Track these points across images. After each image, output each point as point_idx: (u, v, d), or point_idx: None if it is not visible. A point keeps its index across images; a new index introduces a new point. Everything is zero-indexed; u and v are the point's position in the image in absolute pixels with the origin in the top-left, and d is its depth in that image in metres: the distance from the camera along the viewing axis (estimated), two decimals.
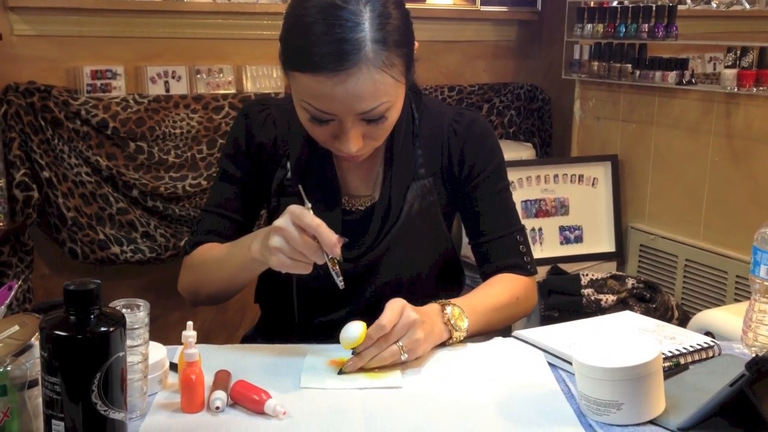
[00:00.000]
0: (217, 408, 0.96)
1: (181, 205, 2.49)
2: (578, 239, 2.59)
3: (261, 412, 0.96)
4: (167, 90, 2.50)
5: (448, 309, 1.15)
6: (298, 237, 1.02)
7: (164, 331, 2.18)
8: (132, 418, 0.94)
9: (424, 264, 1.28)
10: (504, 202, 1.33)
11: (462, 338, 1.16)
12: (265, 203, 1.33)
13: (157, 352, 1.04)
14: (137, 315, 0.94)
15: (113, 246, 2.36)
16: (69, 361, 0.79)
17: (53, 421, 0.80)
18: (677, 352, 1.12)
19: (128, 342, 0.91)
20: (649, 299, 2.20)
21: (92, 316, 0.81)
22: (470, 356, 1.15)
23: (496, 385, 1.05)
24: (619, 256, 2.61)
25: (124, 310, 0.93)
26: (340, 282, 1.06)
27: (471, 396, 1.02)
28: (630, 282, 2.25)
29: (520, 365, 1.12)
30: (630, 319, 1.27)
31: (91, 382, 0.79)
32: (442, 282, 1.34)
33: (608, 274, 2.30)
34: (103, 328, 0.80)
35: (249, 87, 2.62)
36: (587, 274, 2.30)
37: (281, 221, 1.04)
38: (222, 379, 1.01)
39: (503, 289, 1.26)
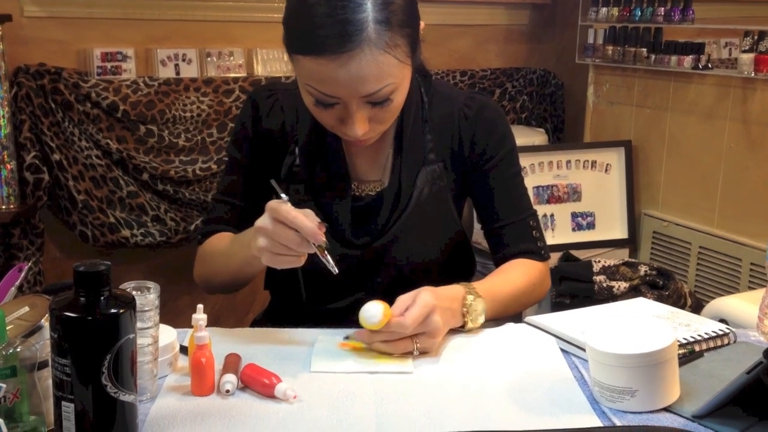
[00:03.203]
0: (228, 391, 0.95)
1: (191, 189, 2.49)
2: (590, 226, 2.57)
3: (271, 396, 0.95)
4: (177, 73, 2.49)
5: (470, 299, 1.14)
6: (278, 232, 1.02)
7: (174, 315, 2.18)
8: (142, 401, 0.94)
9: (435, 250, 1.27)
10: (516, 187, 1.31)
11: (474, 329, 1.16)
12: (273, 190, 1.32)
13: (168, 334, 1.04)
14: (147, 297, 0.94)
15: (123, 229, 2.36)
16: (79, 342, 0.79)
17: (63, 403, 0.79)
18: (692, 339, 1.10)
19: (138, 324, 0.91)
20: (662, 286, 2.18)
21: (102, 298, 0.80)
22: (482, 342, 1.14)
23: (508, 372, 1.05)
24: (631, 242, 2.59)
25: (134, 293, 0.93)
26: (332, 268, 1.05)
27: (483, 382, 1.02)
28: (643, 269, 2.24)
29: (532, 351, 1.11)
30: (643, 306, 1.26)
31: (101, 363, 0.79)
32: (452, 268, 1.32)
33: (620, 261, 2.29)
34: (113, 310, 0.80)
35: (259, 70, 2.61)
36: (599, 261, 2.29)
37: (262, 220, 1.04)
38: (232, 363, 1.01)
39: (520, 275, 1.25)
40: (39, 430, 0.84)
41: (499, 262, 1.30)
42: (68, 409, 0.79)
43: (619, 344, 0.94)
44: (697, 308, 2.23)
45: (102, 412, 0.80)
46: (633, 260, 2.32)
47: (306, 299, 1.27)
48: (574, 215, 2.55)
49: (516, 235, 1.29)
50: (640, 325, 1.00)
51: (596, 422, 0.92)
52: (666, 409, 0.94)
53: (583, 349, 1.07)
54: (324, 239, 1.02)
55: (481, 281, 1.21)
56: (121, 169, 2.39)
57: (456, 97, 1.30)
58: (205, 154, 2.50)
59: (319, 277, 1.23)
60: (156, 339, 0.96)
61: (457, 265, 1.35)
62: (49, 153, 2.28)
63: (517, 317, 1.26)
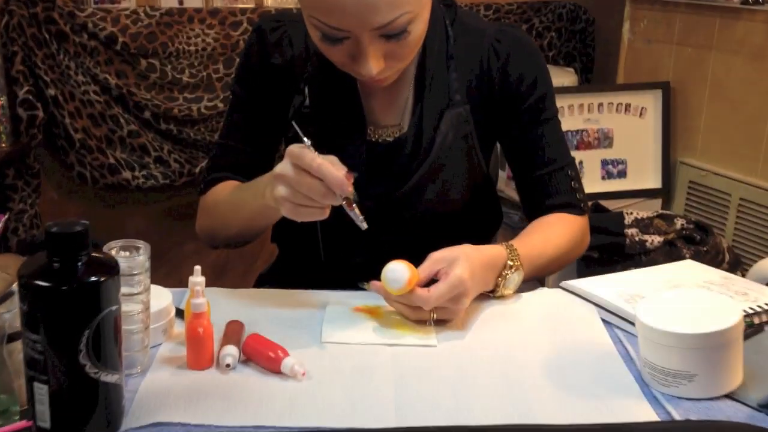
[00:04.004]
0: (228, 366, 0.85)
1: (196, 128, 2.37)
2: (621, 174, 2.44)
3: (277, 372, 0.85)
4: (181, 3, 2.34)
5: (509, 271, 1.03)
6: (301, 181, 0.91)
7: (177, 263, 2.11)
8: (132, 375, 0.84)
9: (459, 201, 1.17)
10: (553, 132, 1.20)
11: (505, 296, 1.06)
12: (282, 133, 1.21)
13: (161, 298, 0.94)
14: (136, 259, 0.83)
15: (124, 171, 2.26)
16: (52, 315, 0.68)
17: (35, 384, 0.70)
18: (751, 311, 0.99)
19: (126, 290, 0.81)
20: (699, 241, 2.06)
21: (80, 264, 0.70)
22: (513, 310, 1.04)
23: (544, 347, 0.94)
24: (665, 193, 2.46)
25: (120, 254, 0.82)
26: (361, 223, 0.94)
27: (515, 359, 0.91)
28: (679, 222, 2.11)
29: (570, 322, 1.00)
30: (692, 270, 1.14)
31: (79, 340, 0.69)
32: (478, 220, 1.22)
33: (655, 213, 2.16)
34: (92, 278, 0.70)
35: (269, 1, 2.45)
36: (631, 213, 2.17)
37: (281, 166, 0.93)
38: (234, 332, 0.91)
39: (561, 233, 1.15)
40: (11, 410, 0.74)
41: (532, 216, 1.20)
42: (41, 391, 0.70)
43: (676, 321, 0.83)
44: (734, 266, 2.11)
45: (80, 395, 0.70)
46: (668, 212, 2.20)
47: (323, 253, 1.16)
48: (604, 162, 2.42)
49: (553, 186, 1.18)
50: (699, 297, 0.89)
51: (648, 410, 0.82)
52: (728, 396, 0.83)
53: (630, 322, 0.97)
54: (352, 190, 0.92)
55: (521, 240, 1.09)
56: (121, 106, 2.27)
57: (485, 30, 1.17)
58: (210, 91, 2.37)
59: (338, 231, 1.13)
60: (147, 305, 0.86)
61: (484, 218, 1.25)
62: (43, 88, 2.16)
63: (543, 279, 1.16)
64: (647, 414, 0.81)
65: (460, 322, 0.99)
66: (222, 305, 1.01)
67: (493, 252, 1.02)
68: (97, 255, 0.72)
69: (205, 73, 2.36)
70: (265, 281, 1.34)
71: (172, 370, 0.86)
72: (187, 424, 0.76)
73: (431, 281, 0.96)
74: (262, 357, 0.87)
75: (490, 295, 1.05)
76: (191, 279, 0.90)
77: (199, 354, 0.86)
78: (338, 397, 0.82)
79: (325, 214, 0.94)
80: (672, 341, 0.82)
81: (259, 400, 0.81)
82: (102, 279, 0.70)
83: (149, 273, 0.85)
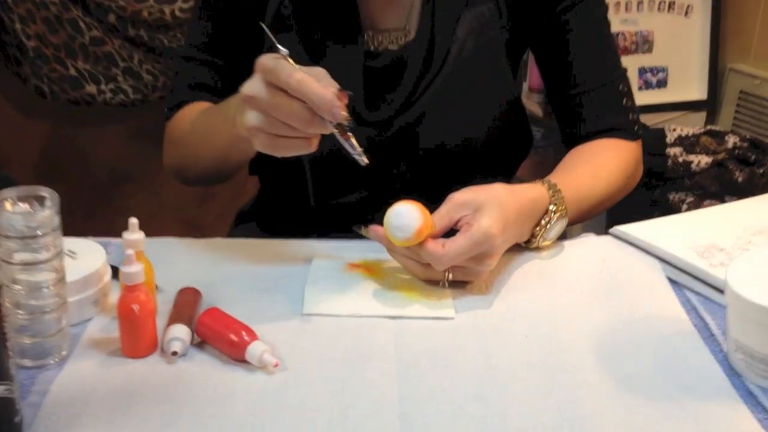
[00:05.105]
0: (175, 353, 0.66)
1: (170, 34, 2.12)
2: (662, 83, 2.22)
3: (242, 360, 0.66)
4: None
5: (552, 219, 0.83)
6: (276, 104, 0.69)
7: (154, 191, 1.90)
8: (45, 367, 0.65)
9: (480, 126, 0.96)
10: (602, 37, 0.99)
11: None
12: (261, 44, 0.98)
13: (92, 257, 0.74)
14: (39, 215, 0.62)
15: (88, 84, 2.04)
16: None
17: None
18: None
19: (27, 257, 0.61)
20: (754, 162, 1.85)
21: None
22: (553, 267, 0.83)
23: (595, 319, 0.74)
24: (710, 105, 2.26)
25: (16, 208, 0.61)
26: (360, 157, 0.73)
27: (559, 337, 0.71)
28: (731, 140, 1.89)
29: (626, 284, 0.80)
30: None
31: None
32: (503, 150, 1.01)
33: (702, 130, 1.94)
34: None
35: None
36: (674, 129, 1.94)
37: (250, 85, 0.72)
38: (185, 306, 0.71)
39: (613, 165, 0.94)
40: None
41: (573, 143, 1.00)
42: None
43: None
44: None
45: None
46: (718, 128, 1.98)
47: (314, 195, 0.97)
48: (642, 71, 2.21)
49: (601, 105, 0.97)
50: None
51: (741, 410, 0.62)
52: None
53: (709, 284, 0.76)
54: (346, 114, 0.71)
55: (563, 176, 0.89)
56: (81, 8, 2.02)
57: None
58: None
59: (331, 168, 0.93)
60: (61, 273, 0.65)
61: (510, 147, 1.03)
62: None
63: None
64: (740, 415, 0.62)
65: (484, 283, 0.79)
66: (176, 264, 0.81)
67: (531, 194, 0.81)
68: None
69: None
70: (244, 219, 1.17)
71: (100, 359, 0.67)
72: None
73: (449, 232, 0.75)
74: (221, 340, 0.67)
75: (522, 245, 0.84)
76: (125, 236, 0.69)
77: (135, 338, 0.66)
78: (322, 397, 0.63)
79: (312, 147, 0.73)
80: None
81: (213, 400, 0.62)
82: None
83: (60, 231, 0.64)
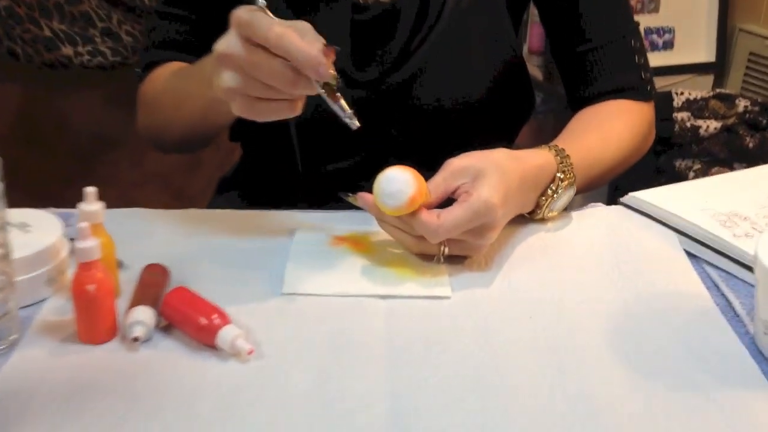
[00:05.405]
0: (136, 339, 0.59)
1: None
2: (668, 45, 2.13)
3: (212, 346, 0.59)
4: None
5: (559, 188, 0.76)
6: (255, 62, 0.62)
7: (138, 158, 1.83)
8: None
9: (480, 85, 0.89)
10: None
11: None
12: None
13: (47, 230, 0.66)
14: None
15: (64, 46, 1.95)
16: None
17: None
18: None
19: None
20: (766, 127, 1.77)
21: None
22: (560, 240, 0.76)
23: (607, 297, 0.67)
24: (718, 67, 2.17)
25: None
26: (351, 121, 0.65)
27: (567, 318, 0.65)
28: (742, 104, 1.81)
29: (641, 258, 0.73)
30: None
31: None
32: (503, 111, 0.94)
33: (710, 93, 1.87)
34: None
35: None
36: (681, 93, 1.87)
37: (225, 42, 0.64)
38: (151, 285, 0.64)
39: (624, 129, 0.87)
40: None
41: (579, 104, 0.92)
42: None
43: None
44: None
45: None
46: (727, 92, 1.90)
47: (301, 162, 0.91)
48: (648, 31, 2.12)
49: (611, 63, 0.90)
50: None
51: None
52: None
53: (733, 260, 0.69)
54: (334, 73, 0.63)
55: (571, 140, 0.82)
56: None
57: None
58: None
59: (317, 129, 0.86)
60: (6, 249, 0.58)
61: (511, 108, 0.96)
62: None
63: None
64: None
65: (483, 259, 0.72)
66: (144, 237, 0.74)
67: (536, 161, 0.74)
68: None
69: None
70: (226, 187, 1.10)
71: (53, 345, 0.60)
72: None
73: (446, 202, 0.68)
74: (188, 324, 0.60)
75: (526, 216, 0.77)
76: (80, 207, 0.62)
77: (91, 322, 0.60)
78: (303, 389, 0.56)
79: (297, 111, 0.66)
80: None
81: (180, 392, 0.55)
82: None
83: (4, 201, 0.57)
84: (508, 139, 0.99)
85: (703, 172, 1.72)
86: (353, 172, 0.87)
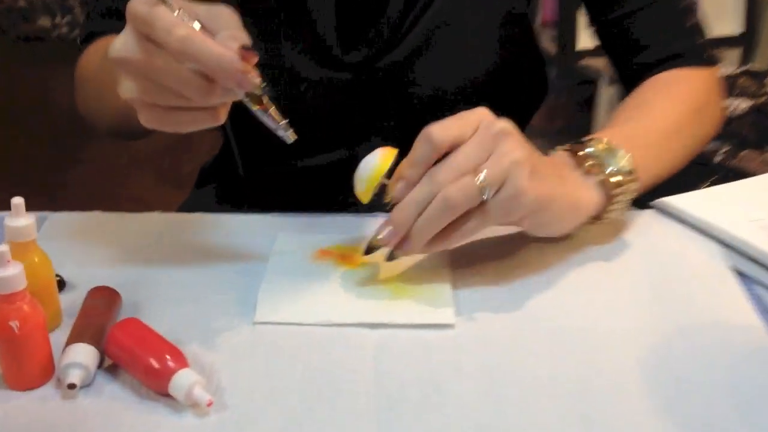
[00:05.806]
0: (72, 386, 0.49)
1: None
2: None
3: (164, 394, 0.49)
4: None
5: (623, 188, 0.65)
6: (160, 67, 0.50)
7: (125, 145, 1.74)
8: None
9: (480, 66, 0.79)
10: None
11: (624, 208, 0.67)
12: None
13: None
14: None
15: (41, 17, 1.89)
16: None
17: None
18: None
19: None
20: None
21: None
22: (584, 253, 0.66)
23: (638, 321, 0.57)
24: (747, 41, 2.09)
25: None
26: (284, 133, 0.54)
27: (590, 348, 0.55)
28: None
29: (677, 274, 0.63)
30: None
31: None
32: (512, 93, 0.83)
33: (739, 70, 1.78)
34: None
35: None
36: None
37: (120, 41, 0.52)
38: (95, 315, 0.54)
39: (681, 106, 0.76)
40: None
41: (630, 79, 0.83)
42: None
43: None
44: None
45: None
46: (757, 69, 1.80)
47: (242, 167, 0.84)
48: None
49: (660, 27, 0.81)
50: None
51: None
52: None
53: None
54: (258, 81, 0.51)
55: (621, 128, 0.72)
56: None
57: None
58: None
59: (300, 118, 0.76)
60: None
61: (521, 88, 0.86)
62: None
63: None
64: None
65: (492, 275, 0.62)
66: (94, 249, 0.64)
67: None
68: None
69: None
70: (205, 180, 1.01)
71: None
72: None
73: None
74: (137, 366, 0.50)
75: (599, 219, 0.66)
76: (5, 223, 0.52)
77: (18, 364, 0.50)
78: None
79: (219, 119, 0.54)
80: None
81: None
82: None
83: None
84: (519, 127, 0.89)
85: (732, 155, 1.62)
86: (343, 169, 0.78)
